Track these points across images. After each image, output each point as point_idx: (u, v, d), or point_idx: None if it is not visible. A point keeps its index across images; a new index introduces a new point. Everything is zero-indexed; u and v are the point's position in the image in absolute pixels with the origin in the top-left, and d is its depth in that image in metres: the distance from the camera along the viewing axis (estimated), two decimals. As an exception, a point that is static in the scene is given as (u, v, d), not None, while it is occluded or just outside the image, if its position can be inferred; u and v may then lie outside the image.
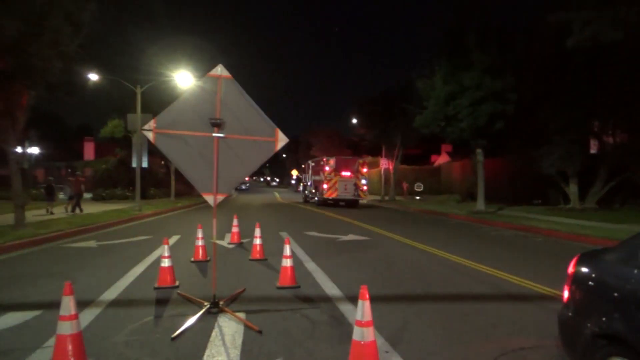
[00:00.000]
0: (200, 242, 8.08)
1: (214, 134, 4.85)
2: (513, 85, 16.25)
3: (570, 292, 3.00)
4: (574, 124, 17.22)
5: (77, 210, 17.40)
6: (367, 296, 3.08)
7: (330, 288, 5.97)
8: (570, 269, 3.08)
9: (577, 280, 2.98)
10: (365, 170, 24.95)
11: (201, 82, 5.02)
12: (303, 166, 35.36)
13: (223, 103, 4.91)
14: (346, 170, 24.25)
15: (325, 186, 24.22)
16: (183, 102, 4.93)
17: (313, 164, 28.14)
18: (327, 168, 24.28)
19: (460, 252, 8.87)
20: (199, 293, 5.51)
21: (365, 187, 24.80)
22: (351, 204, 24.70)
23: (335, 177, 24.05)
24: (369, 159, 43.97)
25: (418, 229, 14.01)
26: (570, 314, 2.95)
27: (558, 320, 3.09)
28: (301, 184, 35.78)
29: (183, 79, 20.35)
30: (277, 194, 48.24)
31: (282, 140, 5.11)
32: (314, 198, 27.13)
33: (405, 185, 34.35)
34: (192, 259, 7.97)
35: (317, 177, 26.30)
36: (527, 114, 17.43)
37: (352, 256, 8.70)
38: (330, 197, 24.27)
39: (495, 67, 16.48)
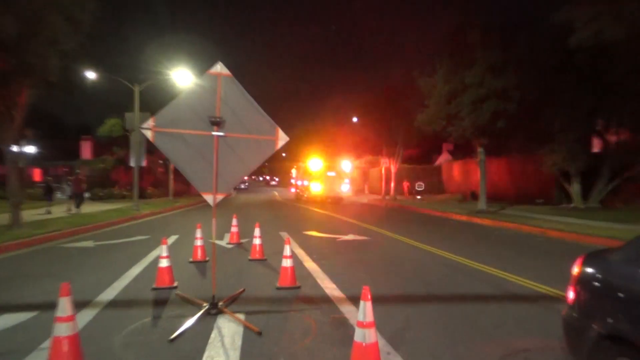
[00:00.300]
0: (199, 242, 8.07)
1: (214, 133, 4.83)
2: (515, 83, 16.21)
3: (575, 292, 2.99)
4: (577, 122, 17.20)
5: (75, 210, 17.41)
6: (369, 297, 3.07)
7: (331, 289, 5.96)
8: (575, 269, 3.07)
9: (582, 281, 2.96)
10: (348, 170, 29.15)
11: (200, 80, 5.00)
12: (295, 166, 40.02)
13: (223, 101, 4.89)
14: (331, 170, 28.68)
15: (312, 185, 28.43)
16: (182, 100, 4.91)
17: (303, 165, 32.28)
18: (314, 169, 28.63)
19: (462, 252, 8.85)
20: (198, 294, 5.50)
21: (348, 186, 29.08)
22: (336, 200, 28.53)
23: (321, 177, 28.30)
24: (369, 157, 44.12)
25: (419, 229, 13.99)
26: (575, 314, 2.93)
27: (562, 321, 3.08)
28: (294, 182, 40.78)
29: (182, 77, 20.31)
30: (276, 193, 48.24)
31: (282, 139, 5.10)
32: (304, 195, 30.84)
33: (406, 185, 34.31)
34: (191, 259, 7.96)
35: (306, 177, 30.28)
36: (529, 112, 17.38)
37: (352, 256, 8.69)
38: (317, 195, 28.34)
39: (498, 65, 16.45)
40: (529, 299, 5.60)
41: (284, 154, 73.04)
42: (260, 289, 6.02)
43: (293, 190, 38.57)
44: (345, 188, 29.08)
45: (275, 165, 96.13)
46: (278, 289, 5.94)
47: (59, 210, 17.54)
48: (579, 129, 17.57)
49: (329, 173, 28.43)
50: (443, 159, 43.09)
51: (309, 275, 6.81)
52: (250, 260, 8.05)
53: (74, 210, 17.44)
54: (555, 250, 9.83)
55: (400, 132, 29.21)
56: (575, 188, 18.76)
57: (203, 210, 20.72)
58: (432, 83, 19.15)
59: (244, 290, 5.78)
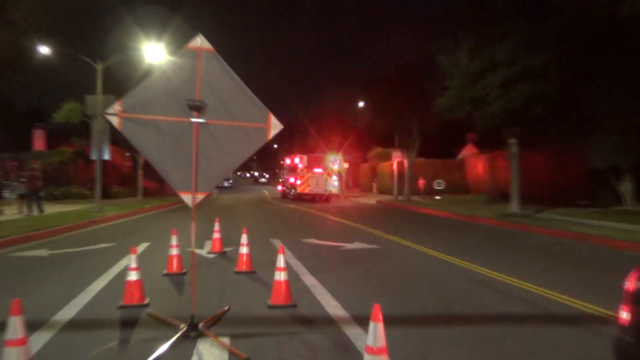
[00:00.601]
0: (174, 251, 8.05)
1: (193, 119, 4.81)
2: (555, 61, 16.16)
3: (630, 312, 2.97)
4: (629, 108, 17.14)
5: (30, 212, 17.40)
6: (381, 317, 3.06)
7: (333, 307, 5.96)
8: (630, 284, 3.05)
9: (639, 298, 2.94)
10: (335, 167, 31.87)
11: (177, 56, 4.98)
12: (282, 163, 43.16)
13: (204, 81, 4.87)
14: (318, 167, 31.52)
15: (298, 182, 31.47)
16: (155, 80, 4.89)
17: (289, 161, 35.27)
18: (300, 165, 31.64)
19: (490, 264, 8.86)
20: (174, 313, 5.49)
21: (335, 183, 31.94)
22: (323, 199, 31.08)
23: (307, 174, 31.21)
24: (378, 150, 44.19)
25: (438, 236, 14.01)
26: (629, 339, 2.92)
27: (614, 347, 3.07)
28: (280, 180, 44.03)
29: (155, 53, 20.23)
30: (266, 192, 48.29)
31: (275, 127, 5.08)
32: (290, 193, 33.83)
33: (422, 183, 34.31)
34: (165, 272, 7.95)
35: (292, 174, 33.40)
36: (571, 96, 17.35)
37: (359, 268, 8.69)
38: (303, 192, 31.32)
39: (534, 39, 16.38)
40: (572, 320, 5.61)
41: (275, 146, 73.16)
42: (249, 307, 6.02)
43: (280, 188, 42.10)
44: (333, 186, 31.62)
45: (265, 159, 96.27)
46: (270, 307, 5.94)
47: (10, 212, 17.54)
48: (631, 115, 17.52)
49: (315, 170, 31.32)
50: (467, 151, 43.12)
51: (307, 290, 6.81)
52: (236, 272, 8.04)
53: (29, 211, 17.40)
54: (604, 262, 9.84)
55: (416, 120, 29.17)
56: (626, 187, 18.77)
57: (179, 213, 20.72)
58: (455, 60, 19.10)
59: (229, 308, 5.78)
